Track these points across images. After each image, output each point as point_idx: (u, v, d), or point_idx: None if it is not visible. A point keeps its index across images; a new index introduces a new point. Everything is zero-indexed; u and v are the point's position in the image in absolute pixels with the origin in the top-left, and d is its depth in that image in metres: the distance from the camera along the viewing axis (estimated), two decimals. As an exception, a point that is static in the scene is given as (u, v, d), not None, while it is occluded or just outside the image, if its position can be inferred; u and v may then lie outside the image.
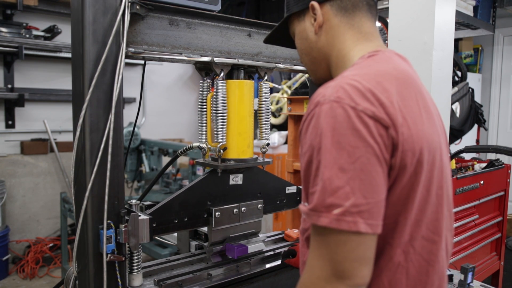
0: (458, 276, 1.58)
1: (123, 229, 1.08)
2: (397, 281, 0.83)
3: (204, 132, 1.35)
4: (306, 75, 1.77)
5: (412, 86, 0.85)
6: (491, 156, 4.39)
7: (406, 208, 0.81)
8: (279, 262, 1.47)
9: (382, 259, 0.83)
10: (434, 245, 0.87)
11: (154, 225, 1.21)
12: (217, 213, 1.35)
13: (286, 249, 1.46)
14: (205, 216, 1.35)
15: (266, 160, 1.44)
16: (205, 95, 1.35)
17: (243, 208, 1.41)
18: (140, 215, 1.12)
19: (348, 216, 0.72)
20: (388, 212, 0.80)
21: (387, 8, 2.14)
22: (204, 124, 1.35)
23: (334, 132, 0.75)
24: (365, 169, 0.74)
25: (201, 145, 1.36)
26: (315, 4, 0.94)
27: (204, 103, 1.35)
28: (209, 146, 1.35)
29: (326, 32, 0.95)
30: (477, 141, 4.86)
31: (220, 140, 1.31)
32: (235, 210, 1.40)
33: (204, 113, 1.34)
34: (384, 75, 0.82)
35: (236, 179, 1.41)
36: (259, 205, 1.46)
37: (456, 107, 3.40)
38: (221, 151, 1.32)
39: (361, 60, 0.89)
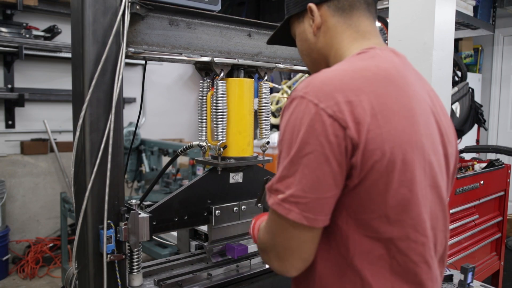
0: (458, 276, 1.58)
1: (123, 227, 1.08)
2: (379, 274, 0.84)
3: (204, 131, 1.35)
4: (306, 75, 1.77)
5: (394, 85, 0.84)
6: (491, 156, 4.39)
7: (381, 207, 0.81)
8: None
9: (362, 251, 0.85)
10: (421, 246, 0.86)
11: (154, 223, 1.22)
12: (217, 212, 1.35)
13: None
14: (205, 214, 1.35)
15: (266, 158, 1.44)
16: (205, 95, 1.35)
17: (243, 207, 1.42)
18: (140, 213, 1.12)
19: (286, 203, 0.80)
20: (361, 209, 0.82)
21: (387, 8, 2.14)
22: (204, 123, 1.35)
23: (294, 127, 0.80)
24: (310, 165, 0.78)
25: (201, 143, 1.36)
26: (313, 6, 0.95)
27: (204, 102, 1.35)
28: (209, 144, 1.35)
29: (325, 33, 0.96)
30: (477, 141, 4.86)
31: (220, 139, 1.31)
32: (235, 208, 1.40)
33: (204, 111, 1.34)
34: (362, 72, 0.83)
35: (236, 178, 1.41)
36: (259, 204, 1.46)
37: (456, 107, 3.40)
38: (221, 149, 1.32)
39: (348, 58, 0.90)
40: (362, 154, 0.78)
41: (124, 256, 1.10)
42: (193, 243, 1.52)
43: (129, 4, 1.10)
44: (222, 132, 1.31)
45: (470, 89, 3.58)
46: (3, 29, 3.91)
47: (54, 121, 4.40)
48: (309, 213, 0.79)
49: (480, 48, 5.04)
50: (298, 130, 0.79)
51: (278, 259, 0.87)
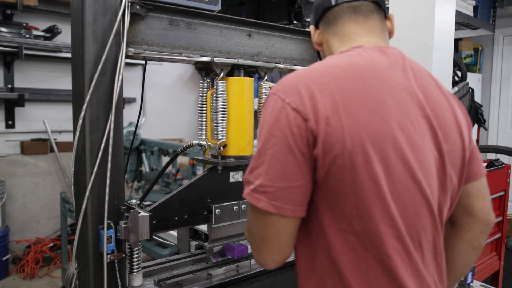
0: (458, 276, 1.58)
1: (123, 226, 1.08)
2: (356, 268, 0.87)
3: (204, 130, 1.35)
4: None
5: (364, 81, 0.87)
6: (491, 156, 4.39)
7: (351, 199, 0.84)
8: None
9: (339, 245, 0.87)
10: (394, 239, 0.86)
11: (154, 222, 1.22)
12: (217, 210, 1.35)
13: None
14: (205, 213, 1.35)
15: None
16: (205, 94, 1.35)
17: (243, 206, 1.42)
18: (140, 212, 1.12)
19: (255, 193, 0.85)
20: (334, 202, 0.86)
21: (387, 8, 2.14)
22: (204, 122, 1.35)
23: (264, 121, 0.87)
24: (276, 156, 0.83)
25: (201, 142, 1.36)
26: (311, 27, 1.11)
27: (204, 102, 1.35)
28: (209, 143, 1.35)
29: (325, 45, 1.09)
30: (477, 141, 4.86)
31: (220, 138, 1.31)
32: (235, 207, 1.40)
33: (204, 111, 1.35)
34: (332, 69, 0.89)
35: (236, 176, 1.41)
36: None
37: (456, 107, 3.39)
38: (221, 148, 1.32)
39: (329, 57, 0.98)
40: (323, 146, 0.82)
41: (124, 255, 1.10)
42: (193, 243, 1.52)
43: (129, 4, 1.10)
44: (222, 131, 1.31)
45: (470, 89, 3.58)
46: (3, 29, 3.91)
47: (54, 121, 4.40)
48: (276, 202, 0.83)
49: (480, 48, 5.04)
50: (267, 124, 0.86)
51: (256, 250, 0.92)
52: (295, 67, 1.52)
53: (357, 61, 0.91)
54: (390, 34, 1.08)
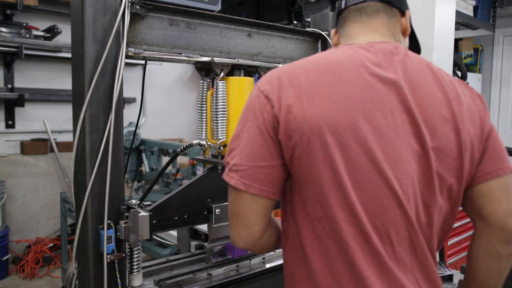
0: (458, 276, 1.58)
1: (123, 225, 1.08)
2: (319, 254, 0.91)
3: (204, 129, 1.35)
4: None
5: (334, 74, 0.91)
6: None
7: (312, 185, 0.90)
8: (279, 262, 1.47)
9: (306, 230, 0.93)
10: (351, 226, 0.88)
11: (154, 221, 1.22)
12: (217, 210, 1.35)
13: None
14: (205, 213, 1.35)
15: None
16: (205, 94, 1.35)
17: (243, 207, 1.41)
18: (140, 212, 1.12)
19: (230, 172, 0.93)
20: (302, 188, 0.92)
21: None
22: (204, 122, 1.35)
23: (244, 107, 0.97)
24: (249, 137, 0.92)
25: (201, 142, 1.36)
26: (333, 31, 1.14)
27: (204, 102, 1.35)
28: (209, 143, 1.35)
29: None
30: (477, 141, 4.84)
31: (220, 137, 1.31)
32: (235, 208, 1.40)
33: (204, 110, 1.35)
34: (306, 62, 0.96)
35: (236, 178, 1.41)
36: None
37: (456, 107, 3.39)
38: (221, 148, 1.32)
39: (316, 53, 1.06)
40: (284, 131, 0.89)
41: (124, 255, 1.10)
42: (193, 243, 1.52)
43: (129, 4, 1.10)
44: (222, 130, 1.31)
45: (470, 89, 3.57)
46: (3, 29, 3.91)
47: (54, 121, 4.40)
48: (245, 179, 0.91)
49: (480, 48, 5.04)
50: (245, 110, 0.96)
51: (230, 227, 0.99)
52: (295, 67, 1.52)
53: (335, 56, 0.96)
54: (405, 31, 1.08)
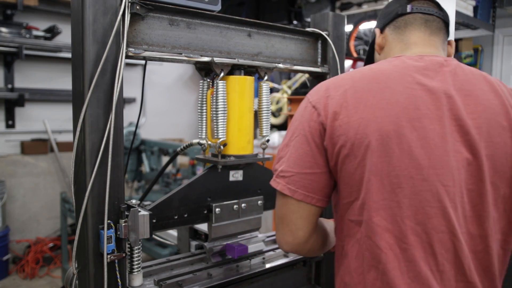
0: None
1: (123, 224, 1.08)
2: (356, 259, 0.94)
3: (204, 129, 1.35)
4: (306, 75, 1.78)
5: (380, 83, 0.93)
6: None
7: (354, 190, 0.92)
8: (279, 262, 1.47)
9: (347, 235, 0.97)
10: (387, 233, 0.88)
11: (154, 221, 1.22)
12: (217, 209, 1.35)
13: None
14: (205, 212, 1.35)
15: (266, 156, 1.44)
16: (205, 95, 1.36)
17: (243, 205, 1.42)
18: (140, 211, 1.12)
19: (277, 178, 0.99)
20: (345, 193, 0.95)
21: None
22: (204, 121, 1.35)
23: (294, 118, 1.02)
24: (296, 145, 0.97)
25: (201, 141, 1.36)
26: (377, 30, 1.15)
27: (204, 102, 1.35)
28: (209, 142, 1.35)
29: (386, 47, 1.12)
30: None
31: (220, 136, 1.31)
32: (235, 206, 1.40)
33: (204, 110, 1.35)
34: (355, 73, 0.99)
35: (236, 175, 1.41)
36: (259, 202, 1.46)
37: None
38: (221, 147, 1.32)
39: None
40: (330, 138, 0.93)
41: (124, 255, 1.10)
42: (193, 243, 1.52)
43: (129, 4, 1.10)
44: (222, 130, 1.32)
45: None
46: (3, 29, 3.91)
47: (54, 121, 4.41)
48: (291, 185, 0.96)
49: (480, 48, 5.04)
50: (294, 120, 1.02)
51: (276, 231, 1.04)
52: (295, 67, 1.52)
53: (382, 66, 0.98)
54: (449, 57, 1.08)
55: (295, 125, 0.99)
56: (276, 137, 3.85)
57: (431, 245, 0.87)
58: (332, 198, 1.04)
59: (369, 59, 1.25)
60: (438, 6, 1.10)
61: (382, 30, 1.13)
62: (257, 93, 1.48)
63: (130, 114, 4.58)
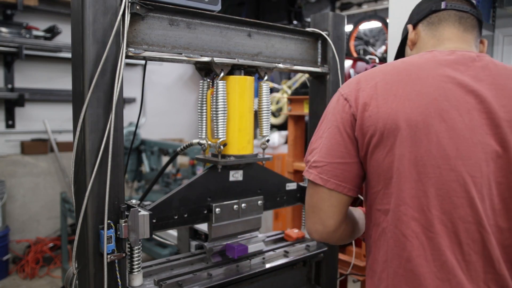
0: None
1: (123, 224, 1.08)
2: (380, 248, 0.97)
3: (204, 129, 1.35)
4: (306, 75, 1.78)
5: (410, 75, 0.96)
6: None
7: (381, 179, 0.95)
8: (279, 262, 1.47)
9: (374, 225, 1.00)
10: (413, 221, 0.89)
11: (154, 221, 1.22)
12: (217, 209, 1.35)
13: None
14: (205, 212, 1.35)
15: (266, 156, 1.44)
16: (205, 95, 1.35)
17: (243, 204, 1.42)
18: (140, 211, 1.12)
19: (310, 168, 1.03)
20: (373, 183, 0.98)
21: (387, 8, 2.14)
22: (204, 121, 1.35)
23: (326, 110, 1.06)
24: (329, 136, 1.01)
25: (201, 141, 1.36)
26: (409, 26, 1.16)
27: (204, 102, 1.35)
28: (209, 142, 1.35)
29: (418, 43, 1.13)
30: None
31: (220, 136, 1.31)
32: (235, 206, 1.40)
33: (204, 110, 1.35)
34: (386, 66, 1.02)
35: (236, 175, 1.41)
36: (259, 202, 1.46)
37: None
38: (221, 147, 1.32)
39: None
40: (360, 128, 0.96)
41: (124, 255, 1.10)
42: (193, 243, 1.52)
43: (129, 4, 1.10)
44: (222, 130, 1.31)
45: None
46: (3, 29, 3.91)
47: (54, 121, 4.41)
48: (323, 175, 1.00)
49: (480, 48, 5.05)
50: (326, 112, 1.06)
51: (306, 219, 1.08)
52: (295, 67, 1.52)
53: (413, 59, 1.01)
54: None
55: (328, 117, 1.03)
56: (276, 137, 3.85)
57: (457, 234, 0.87)
58: (363, 189, 1.07)
59: (399, 56, 1.27)
60: (472, 4, 1.09)
61: (415, 26, 1.14)
62: (257, 93, 1.48)
63: (130, 114, 4.59)
